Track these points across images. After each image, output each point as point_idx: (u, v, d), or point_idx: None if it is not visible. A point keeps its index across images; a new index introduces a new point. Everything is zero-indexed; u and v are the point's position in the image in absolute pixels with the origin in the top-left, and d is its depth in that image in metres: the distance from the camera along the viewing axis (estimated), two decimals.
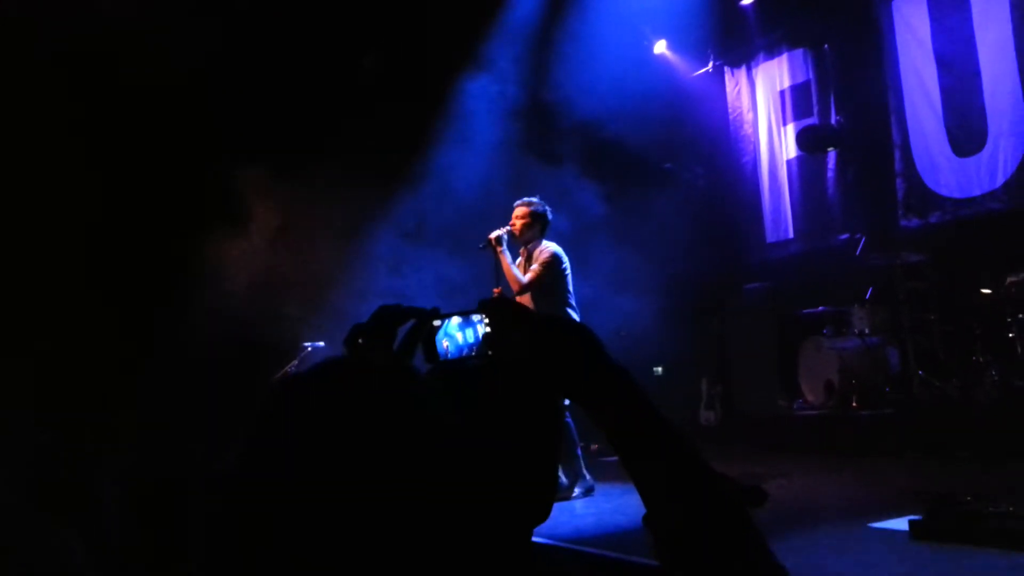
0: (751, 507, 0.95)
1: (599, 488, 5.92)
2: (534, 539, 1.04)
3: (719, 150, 9.90)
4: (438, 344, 1.09)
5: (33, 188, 6.84)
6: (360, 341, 1.09)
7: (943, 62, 7.85)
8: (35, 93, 6.90)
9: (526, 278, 5.86)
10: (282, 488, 0.82)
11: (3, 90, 6.70)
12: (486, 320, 1.05)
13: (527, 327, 0.99)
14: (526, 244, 6.06)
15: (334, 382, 0.89)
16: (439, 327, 1.09)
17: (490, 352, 1.04)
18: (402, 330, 1.12)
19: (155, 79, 7.24)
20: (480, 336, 1.06)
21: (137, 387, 6.81)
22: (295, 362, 8.58)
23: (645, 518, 0.94)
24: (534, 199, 6.10)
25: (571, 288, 5.98)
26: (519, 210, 6.05)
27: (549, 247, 5.97)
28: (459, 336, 1.08)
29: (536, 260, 5.91)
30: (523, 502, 0.99)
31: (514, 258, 6.00)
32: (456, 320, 1.09)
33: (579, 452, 5.98)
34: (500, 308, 1.04)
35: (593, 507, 5.56)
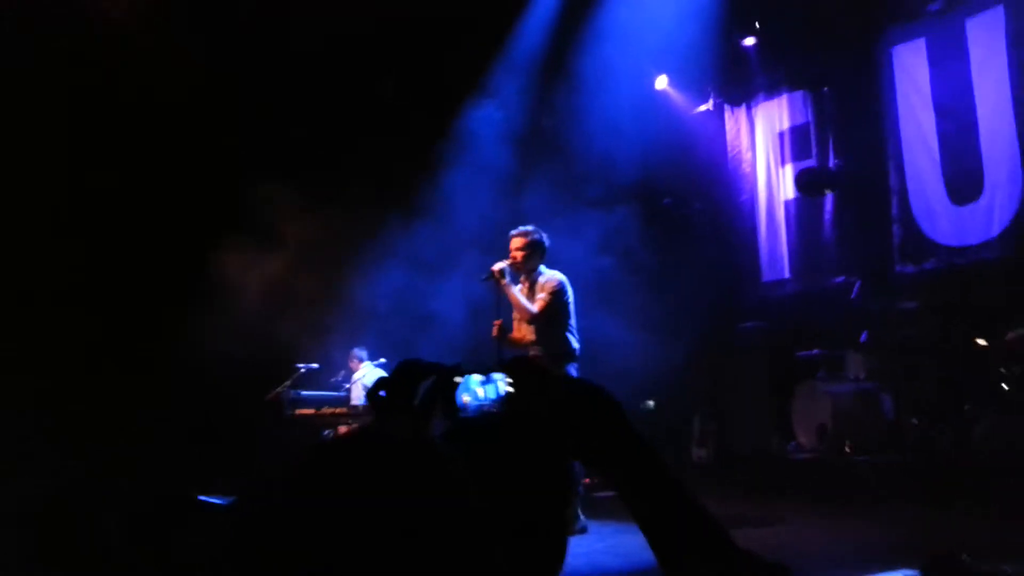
0: None
1: (592, 527, 5.87)
2: None
3: (717, 187, 9.95)
4: (458, 399, 1.10)
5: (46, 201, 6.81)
6: (383, 395, 1.11)
7: (941, 109, 7.93)
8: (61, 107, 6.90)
9: (535, 308, 5.86)
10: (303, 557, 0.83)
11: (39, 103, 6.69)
12: (508, 380, 1.05)
13: (550, 390, 1.00)
14: (528, 273, 6.05)
15: (360, 457, 0.90)
16: (459, 383, 1.10)
17: (510, 412, 1.05)
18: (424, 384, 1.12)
19: (176, 95, 7.24)
20: (501, 394, 1.06)
21: (138, 408, 6.77)
22: (287, 383, 8.54)
23: None
24: (529, 227, 6.09)
25: (573, 317, 6.00)
26: (516, 241, 6.03)
27: (555, 276, 5.98)
28: (480, 391, 1.10)
29: (543, 289, 5.92)
30: (539, 558, 0.99)
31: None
32: (477, 376, 1.10)
33: (580, 491, 5.94)
34: (523, 368, 1.05)
35: (585, 547, 5.49)
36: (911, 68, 8.18)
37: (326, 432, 8.20)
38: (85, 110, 7.30)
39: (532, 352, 5.96)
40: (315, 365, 8.70)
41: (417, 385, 1.09)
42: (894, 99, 8.33)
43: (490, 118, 8.87)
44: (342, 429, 8.01)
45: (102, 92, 7.34)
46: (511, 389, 1.04)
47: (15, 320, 6.90)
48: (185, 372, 7.62)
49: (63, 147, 7.25)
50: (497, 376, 1.07)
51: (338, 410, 8.22)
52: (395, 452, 0.91)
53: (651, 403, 8.87)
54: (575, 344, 6.00)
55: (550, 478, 1.00)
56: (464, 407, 1.09)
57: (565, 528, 1.03)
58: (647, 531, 0.97)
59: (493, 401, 1.08)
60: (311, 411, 8.30)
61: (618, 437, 0.98)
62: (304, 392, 8.65)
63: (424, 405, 1.08)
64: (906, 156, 8.19)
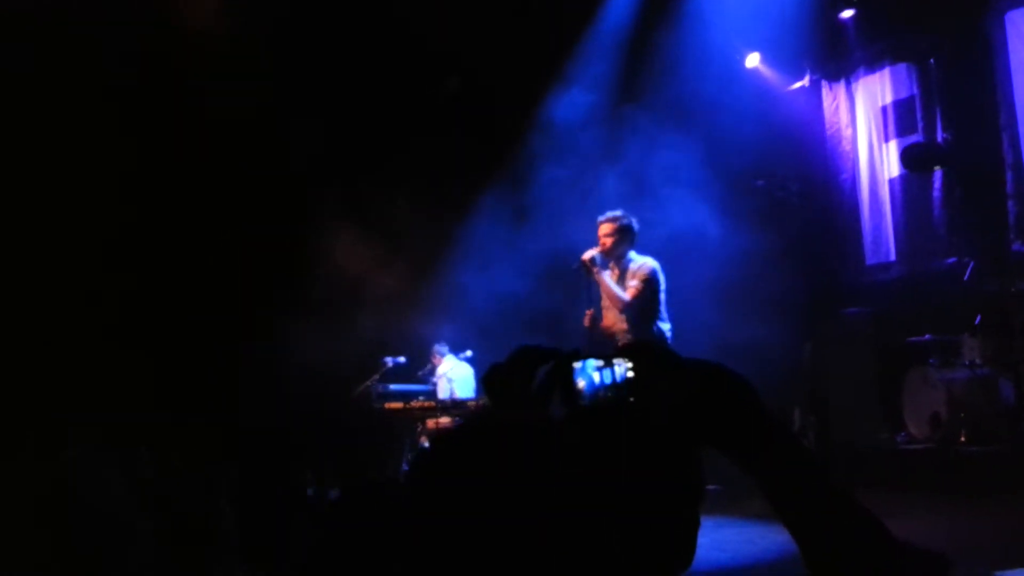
0: None
1: None
2: None
3: (815, 167, 9.59)
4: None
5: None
6: (498, 383, 1.09)
7: None
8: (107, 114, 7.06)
9: (627, 296, 5.76)
10: (438, 535, 0.86)
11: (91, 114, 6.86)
12: (629, 365, 1.00)
13: (678, 374, 0.97)
14: (617, 260, 5.92)
15: (485, 440, 0.93)
16: (577, 369, 1.05)
17: (633, 398, 1.00)
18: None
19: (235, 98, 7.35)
20: (619, 378, 1.02)
21: (236, 401, 6.89)
22: (376, 376, 8.59)
23: None
24: (618, 212, 6.00)
25: (664, 303, 5.85)
26: (605, 227, 5.94)
27: (647, 263, 5.86)
28: (596, 376, 1.04)
29: (635, 276, 5.80)
30: (669, 551, 0.95)
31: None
32: (595, 363, 1.04)
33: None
34: (645, 353, 1.00)
35: None
36: None
37: (417, 426, 8.21)
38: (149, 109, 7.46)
39: (623, 341, 5.82)
40: (402, 359, 8.73)
41: (534, 371, 1.06)
42: (1008, 67, 7.87)
43: (577, 104, 8.76)
44: (430, 423, 8.00)
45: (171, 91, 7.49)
46: (631, 374, 1.00)
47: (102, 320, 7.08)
48: (276, 370, 7.73)
49: (129, 148, 7.42)
50: (617, 362, 1.03)
51: (426, 403, 8.23)
52: (515, 436, 0.92)
53: None
54: (668, 332, 5.88)
55: (677, 467, 0.95)
56: (581, 393, 1.05)
57: (693, 523, 0.96)
58: (788, 519, 0.91)
59: (607, 385, 1.02)
60: (399, 405, 8.32)
61: (750, 418, 0.94)
62: (392, 386, 8.69)
63: (541, 391, 1.06)
64: (1021, 128, 7.73)
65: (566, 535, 0.86)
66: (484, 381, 1.10)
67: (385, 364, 8.62)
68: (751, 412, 0.94)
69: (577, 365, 1.04)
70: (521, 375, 1.06)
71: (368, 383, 8.49)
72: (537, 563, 0.85)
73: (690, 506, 0.95)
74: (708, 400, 0.94)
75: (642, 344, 1.03)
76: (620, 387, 1.01)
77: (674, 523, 0.94)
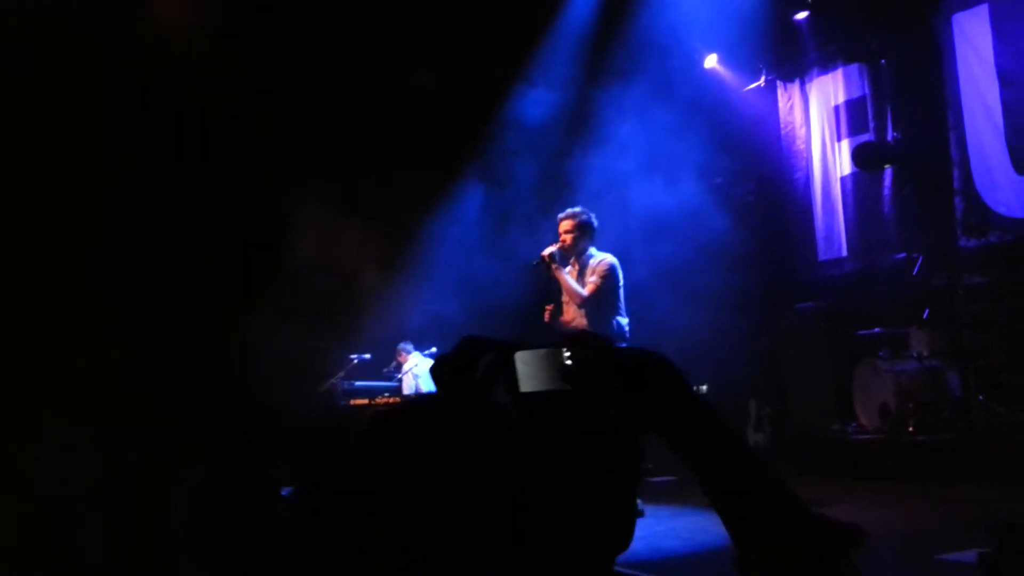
0: (851, 548, 0.92)
1: (648, 511, 5.83)
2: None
3: (770, 166, 9.77)
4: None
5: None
6: (445, 372, 1.12)
7: (1005, 78, 7.66)
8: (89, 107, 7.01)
9: (586, 291, 5.85)
10: (375, 517, 0.86)
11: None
12: (568, 354, 1.04)
13: (612, 362, 0.99)
14: (577, 256, 6.01)
15: (426, 420, 0.94)
16: (520, 359, 1.09)
17: (570, 386, 1.03)
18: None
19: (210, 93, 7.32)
20: (557, 367, 1.05)
21: (203, 396, 6.87)
22: (342, 373, 8.62)
23: (736, 561, 0.92)
24: (577, 209, 6.06)
25: (623, 298, 5.95)
26: (565, 223, 6.00)
27: (606, 258, 5.94)
28: (535, 366, 1.08)
29: (593, 272, 5.88)
30: (606, 531, 0.98)
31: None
32: (536, 352, 1.09)
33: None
34: (583, 342, 1.04)
35: (644, 530, 5.45)
36: (973, 36, 7.91)
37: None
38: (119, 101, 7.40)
39: None
40: (367, 356, 8.76)
41: (478, 360, 1.09)
42: (955, 68, 8.07)
43: (536, 102, 8.83)
44: None
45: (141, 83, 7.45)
46: (569, 362, 1.03)
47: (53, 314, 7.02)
48: (248, 367, 7.71)
49: (96, 139, 7.35)
50: (557, 351, 1.06)
51: (391, 400, 8.28)
52: (456, 413, 0.95)
53: (704, 388, 8.73)
54: (626, 326, 5.97)
55: (612, 451, 0.99)
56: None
57: (628, 506, 1.00)
58: (711, 495, 0.94)
59: (547, 375, 1.06)
60: (365, 401, 8.37)
61: (676, 401, 0.97)
62: (358, 383, 8.72)
63: (485, 380, 1.09)
64: (968, 127, 7.93)
65: (507, 512, 0.88)
66: (432, 371, 1.14)
67: (350, 361, 8.65)
68: (677, 395, 0.97)
69: (520, 354, 1.08)
70: (466, 365, 1.10)
71: (334, 380, 8.52)
72: (476, 536, 0.87)
73: (623, 489, 0.99)
74: (638, 386, 0.98)
75: (579, 334, 1.07)
76: (558, 375, 1.04)
77: (609, 505, 0.98)
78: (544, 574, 0.91)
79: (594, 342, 1.04)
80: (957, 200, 7.96)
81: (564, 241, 5.97)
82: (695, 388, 0.98)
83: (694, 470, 0.95)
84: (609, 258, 5.97)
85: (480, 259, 8.44)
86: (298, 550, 0.91)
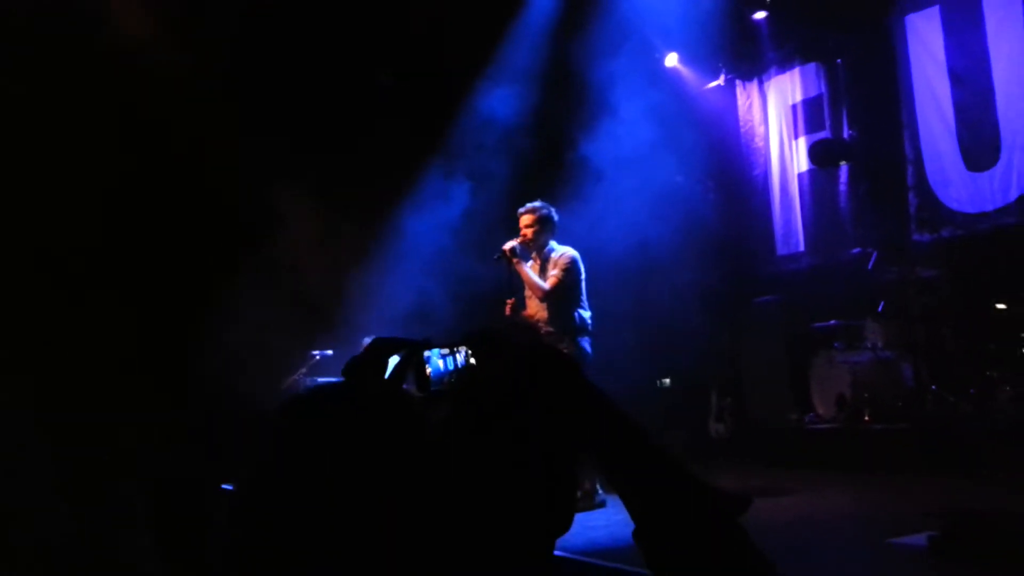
0: (736, 513, 0.98)
1: (610, 501, 5.88)
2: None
3: (730, 163, 9.89)
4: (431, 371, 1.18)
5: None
6: (357, 371, 1.18)
7: (956, 77, 7.83)
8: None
9: (548, 284, 5.88)
10: (290, 506, 0.89)
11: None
12: (470, 352, 1.12)
13: (506, 360, 1.04)
14: (539, 250, 6.05)
15: (328, 407, 0.97)
16: (427, 357, 1.17)
17: (466, 382, 1.10)
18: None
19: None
20: (460, 364, 1.13)
21: (162, 390, 6.81)
22: (303, 370, 8.57)
23: (635, 533, 0.97)
24: (537, 203, 6.09)
25: (584, 292, 6.00)
26: (525, 218, 6.04)
27: (567, 252, 5.98)
28: (440, 364, 1.16)
29: (555, 265, 5.92)
30: (540, 513, 1.01)
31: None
32: (440, 351, 1.16)
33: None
34: (483, 340, 1.10)
35: (604, 519, 5.51)
36: (925, 36, 8.08)
37: None
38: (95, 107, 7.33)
39: (544, 329, 5.97)
40: (329, 352, 8.71)
41: (387, 360, 1.14)
42: (908, 68, 8.24)
43: (496, 100, 8.84)
44: None
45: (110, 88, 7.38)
46: (472, 360, 1.10)
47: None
48: (209, 360, 7.64)
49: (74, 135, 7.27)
50: (461, 350, 1.13)
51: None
52: (365, 400, 0.98)
53: (667, 381, 8.84)
54: (588, 319, 6.01)
55: (511, 443, 1.01)
56: (429, 379, 1.16)
57: (570, 479, 1.04)
58: (608, 475, 0.99)
59: (451, 372, 1.13)
60: None
61: (572, 395, 1.00)
62: (320, 379, 8.66)
63: (394, 376, 1.14)
64: (921, 125, 8.10)
65: (413, 485, 0.92)
66: (343, 372, 1.18)
67: (312, 357, 8.61)
68: (573, 389, 1.01)
69: (428, 354, 1.16)
70: (375, 363, 1.15)
71: (295, 376, 8.47)
72: (401, 518, 0.90)
73: (549, 475, 1.02)
74: (533, 381, 1.01)
75: (479, 333, 1.13)
76: (460, 373, 1.12)
77: (534, 491, 1.01)
78: (473, 558, 0.95)
79: (491, 341, 1.09)
80: (911, 196, 8.11)
81: (525, 235, 6.00)
82: (590, 382, 1.02)
83: (590, 455, 1.00)
84: (570, 251, 6.02)
85: (443, 255, 8.43)
86: (234, 542, 0.92)
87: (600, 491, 5.89)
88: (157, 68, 7.48)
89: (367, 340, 9.15)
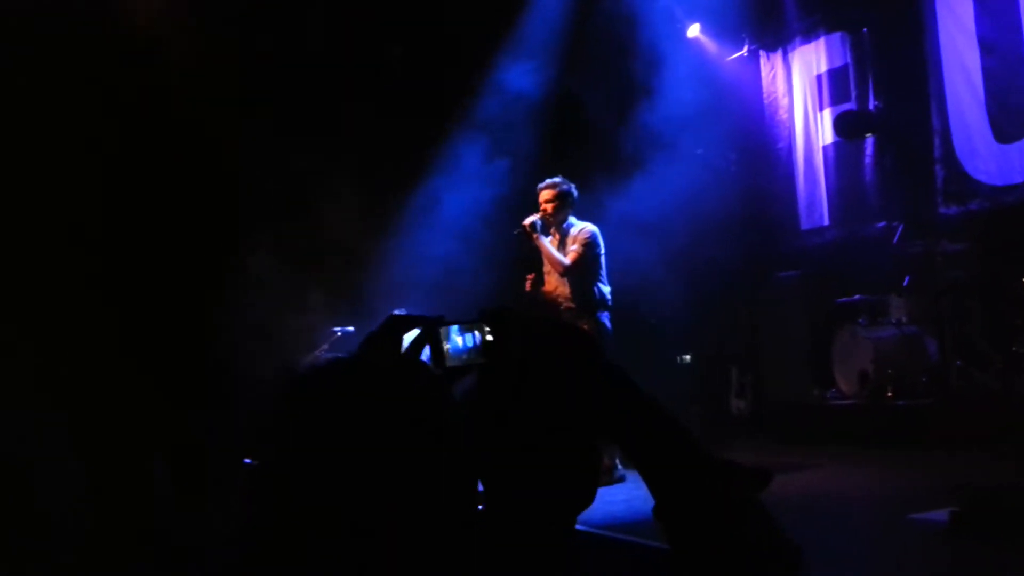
0: (757, 489, 0.99)
1: (629, 476, 5.89)
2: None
3: (753, 135, 9.76)
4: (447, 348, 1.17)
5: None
6: (373, 347, 1.18)
7: (986, 46, 7.66)
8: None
9: (568, 260, 5.90)
10: (311, 480, 0.90)
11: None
12: (487, 329, 1.11)
13: (525, 337, 1.05)
14: (558, 225, 6.06)
15: (342, 380, 0.98)
16: (443, 334, 1.16)
17: (487, 360, 1.10)
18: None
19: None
20: (478, 342, 1.12)
21: (178, 366, 6.87)
22: (325, 346, 8.61)
23: (655, 510, 0.99)
24: (557, 179, 6.12)
25: (604, 267, 6.00)
26: (545, 193, 6.06)
27: (587, 227, 6.00)
28: (459, 340, 1.14)
29: (575, 241, 5.94)
30: (563, 488, 1.02)
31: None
32: (461, 327, 1.16)
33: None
34: (501, 317, 1.09)
35: (624, 494, 5.53)
36: (954, 5, 7.90)
37: None
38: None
39: (565, 304, 5.97)
40: (351, 328, 8.74)
41: (402, 336, 1.14)
42: (936, 37, 8.07)
43: (515, 75, 8.78)
44: None
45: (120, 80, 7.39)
46: (490, 337, 1.09)
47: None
48: (225, 337, 7.69)
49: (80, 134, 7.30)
50: (479, 327, 1.13)
51: None
52: (380, 374, 0.99)
53: (687, 357, 8.80)
54: (608, 294, 6.02)
55: (529, 420, 1.02)
56: (447, 355, 1.16)
57: (594, 455, 1.04)
58: (629, 452, 1.01)
59: (468, 349, 1.12)
60: None
61: (590, 371, 1.02)
62: (342, 356, 8.68)
63: (410, 353, 1.15)
64: (949, 95, 7.94)
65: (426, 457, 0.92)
66: (359, 348, 1.18)
67: (334, 334, 8.64)
68: (591, 366, 1.02)
69: (443, 330, 1.15)
70: (391, 340, 1.15)
71: (316, 353, 8.51)
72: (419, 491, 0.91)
73: (573, 449, 1.03)
74: (551, 358, 1.02)
75: (495, 310, 1.12)
76: (479, 349, 1.11)
77: (557, 464, 1.02)
78: (495, 531, 0.96)
79: (511, 318, 1.09)
80: (937, 168, 7.98)
81: (545, 211, 6.03)
82: (608, 360, 1.03)
83: (609, 433, 1.01)
84: (590, 227, 6.03)
85: (466, 230, 8.42)
86: (252, 515, 0.94)
87: (619, 466, 5.89)
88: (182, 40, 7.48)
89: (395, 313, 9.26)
